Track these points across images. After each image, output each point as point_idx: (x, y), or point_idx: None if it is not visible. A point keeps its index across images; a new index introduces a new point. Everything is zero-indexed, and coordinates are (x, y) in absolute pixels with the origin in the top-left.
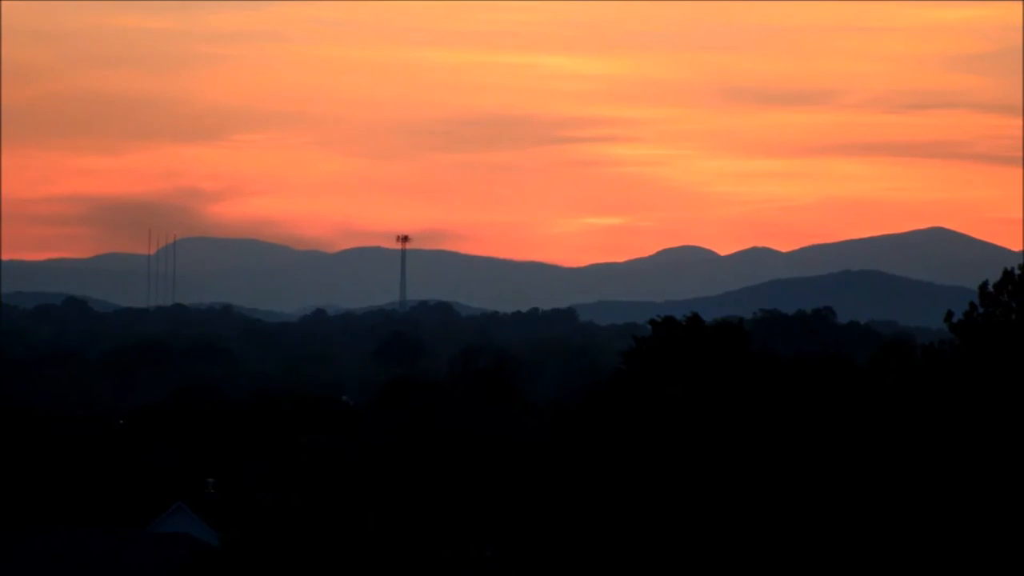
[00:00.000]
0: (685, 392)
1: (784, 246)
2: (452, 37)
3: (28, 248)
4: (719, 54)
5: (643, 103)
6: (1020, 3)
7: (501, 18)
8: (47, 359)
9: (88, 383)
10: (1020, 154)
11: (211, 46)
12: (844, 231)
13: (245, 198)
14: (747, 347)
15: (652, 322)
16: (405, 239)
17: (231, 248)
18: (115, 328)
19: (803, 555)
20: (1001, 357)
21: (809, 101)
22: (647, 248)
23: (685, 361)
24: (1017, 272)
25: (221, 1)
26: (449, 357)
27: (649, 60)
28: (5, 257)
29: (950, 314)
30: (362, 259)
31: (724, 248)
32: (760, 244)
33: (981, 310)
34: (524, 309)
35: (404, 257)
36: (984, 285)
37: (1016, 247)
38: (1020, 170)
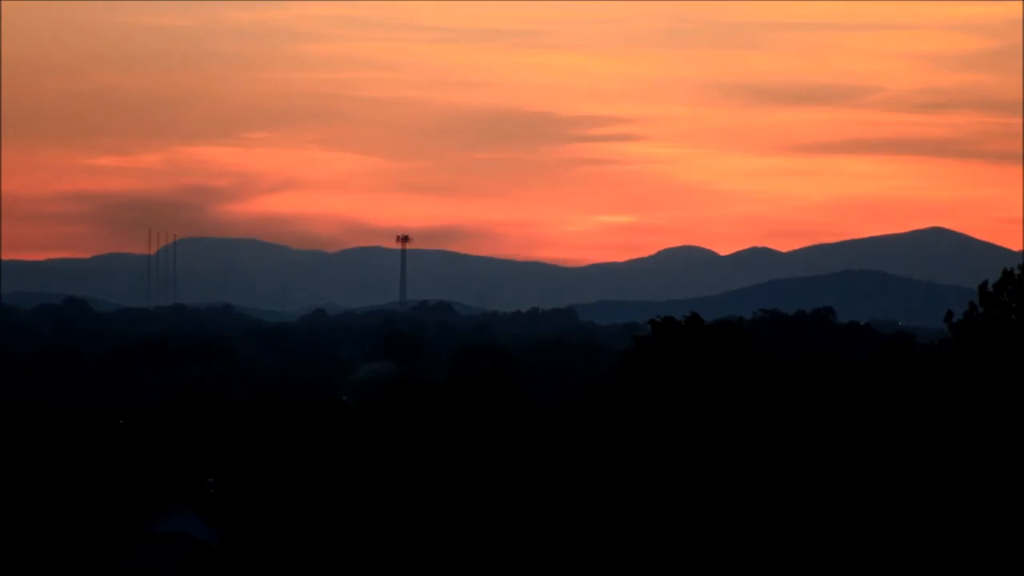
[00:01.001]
0: (685, 392)
1: (784, 246)
2: (463, 35)
3: (29, 248)
4: (731, 53)
5: (656, 101)
6: (1020, 3)
7: (513, 16)
8: (47, 359)
9: (88, 383)
10: (1020, 154)
11: (220, 44)
12: (845, 230)
13: (252, 197)
14: (747, 347)
15: (652, 322)
16: (405, 239)
17: (231, 248)
18: (115, 328)
19: (804, 553)
20: (1001, 357)
21: (819, 100)
22: (655, 247)
23: (685, 361)
24: (1017, 272)
25: (227, 1)
26: (449, 357)
27: (662, 59)
28: (5, 257)
29: (950, 314)
30: (362, 259)
31: (724, 248)
32: (760, 244)
33: (981, 310)
34: (524, 309)
35: (404, 257)
36: (984, 285)
37: (1016, 247)
38: (1020, 170)
